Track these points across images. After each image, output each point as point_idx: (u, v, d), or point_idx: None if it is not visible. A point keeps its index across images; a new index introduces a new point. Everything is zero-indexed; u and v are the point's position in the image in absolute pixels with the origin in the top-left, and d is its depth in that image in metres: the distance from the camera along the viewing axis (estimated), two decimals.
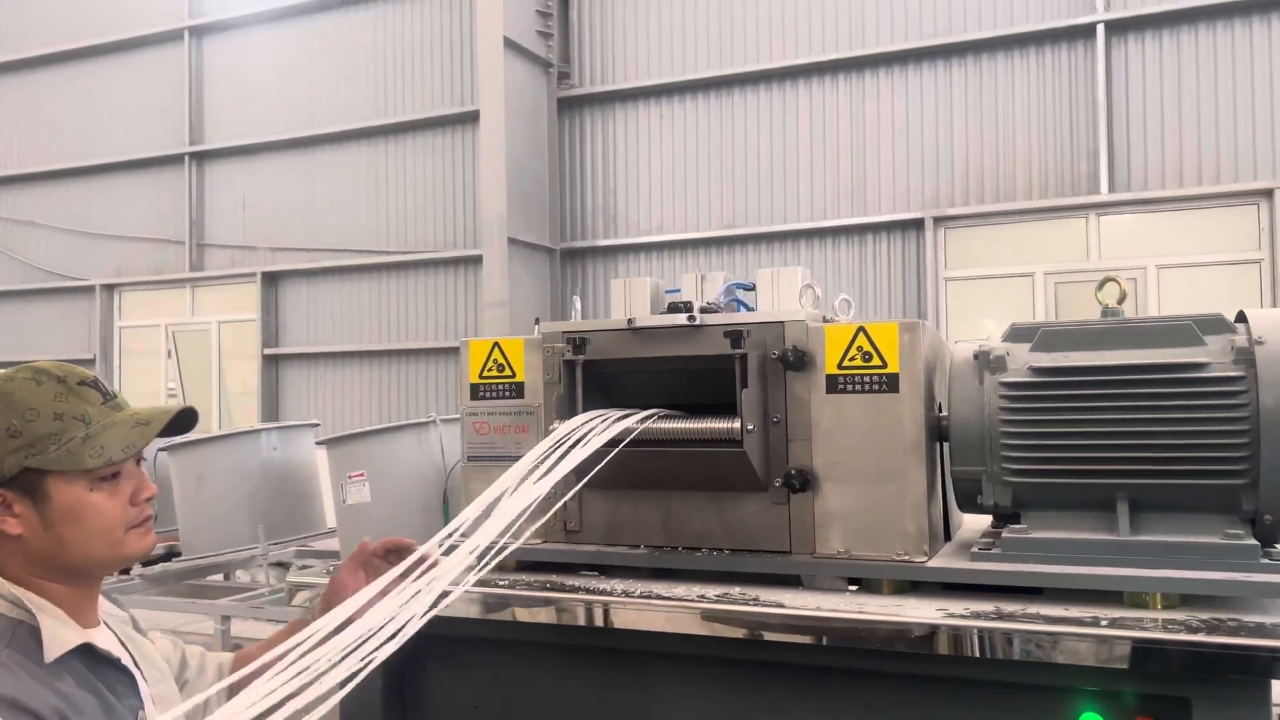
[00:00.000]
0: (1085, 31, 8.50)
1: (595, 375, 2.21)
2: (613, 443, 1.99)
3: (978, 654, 1.78)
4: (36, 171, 12.83)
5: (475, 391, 2.40)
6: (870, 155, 9.22)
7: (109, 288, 12.49)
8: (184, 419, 1.58)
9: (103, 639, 1.54)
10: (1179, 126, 8.30)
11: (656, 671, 2.08)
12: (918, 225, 8.99)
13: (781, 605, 1.95)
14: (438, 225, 10.65)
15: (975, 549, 2.03)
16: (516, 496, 1.76)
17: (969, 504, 2.11)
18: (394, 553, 1.76)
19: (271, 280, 11.52)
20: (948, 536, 2.26)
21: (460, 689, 2.27)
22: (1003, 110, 8.78)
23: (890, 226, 9.16)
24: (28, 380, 1.48)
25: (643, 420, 2.06)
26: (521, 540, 1.88)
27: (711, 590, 2.06)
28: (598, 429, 1.99)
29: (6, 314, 13.00)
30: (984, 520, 2.33)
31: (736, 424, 2.05)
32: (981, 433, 2.02)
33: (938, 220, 8.91)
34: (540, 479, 1.82)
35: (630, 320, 2.21)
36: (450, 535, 1.67)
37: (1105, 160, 8.40)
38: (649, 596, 2.05)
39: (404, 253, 10.71)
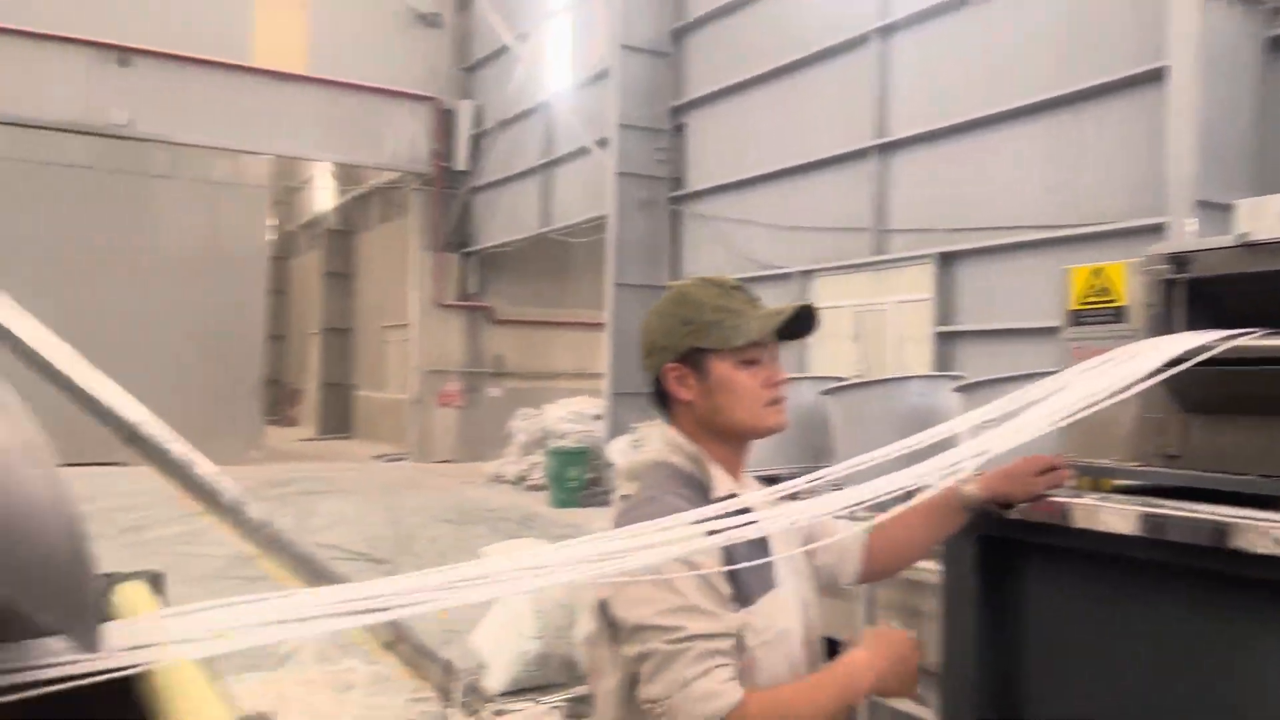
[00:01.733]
0: None
1: (1199, 295, 2.14)
2: (1179, 361, 1.94)
3: None
4: (749, 177, 15.08)
5: (1075, 318, 2.48)
6: None
7: (805, 274, 14.17)
8: (808, 317, 1.94)
9: (750, 499, 1.89)
10: None
11: (1249, 602, 1.97)
12: None
13: None
14: (1113, 195, 10.07)
15: None
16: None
17: None
18: (1045, 472, 2.16)
19: (947, 261, 12.00)
20: None
21: (1056, 595, 2.38)
22: None
23: None
24: (698, 285, 1.98)
25: (1230, 338, 1.97)
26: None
27: None
28: (1167, 346, 1.96)
29: None
30: None
31: None
32: None
33: None
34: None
35: (1242, 234, 2.11)
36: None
37: None
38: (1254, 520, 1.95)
39: (1075, 226, 10.33)
